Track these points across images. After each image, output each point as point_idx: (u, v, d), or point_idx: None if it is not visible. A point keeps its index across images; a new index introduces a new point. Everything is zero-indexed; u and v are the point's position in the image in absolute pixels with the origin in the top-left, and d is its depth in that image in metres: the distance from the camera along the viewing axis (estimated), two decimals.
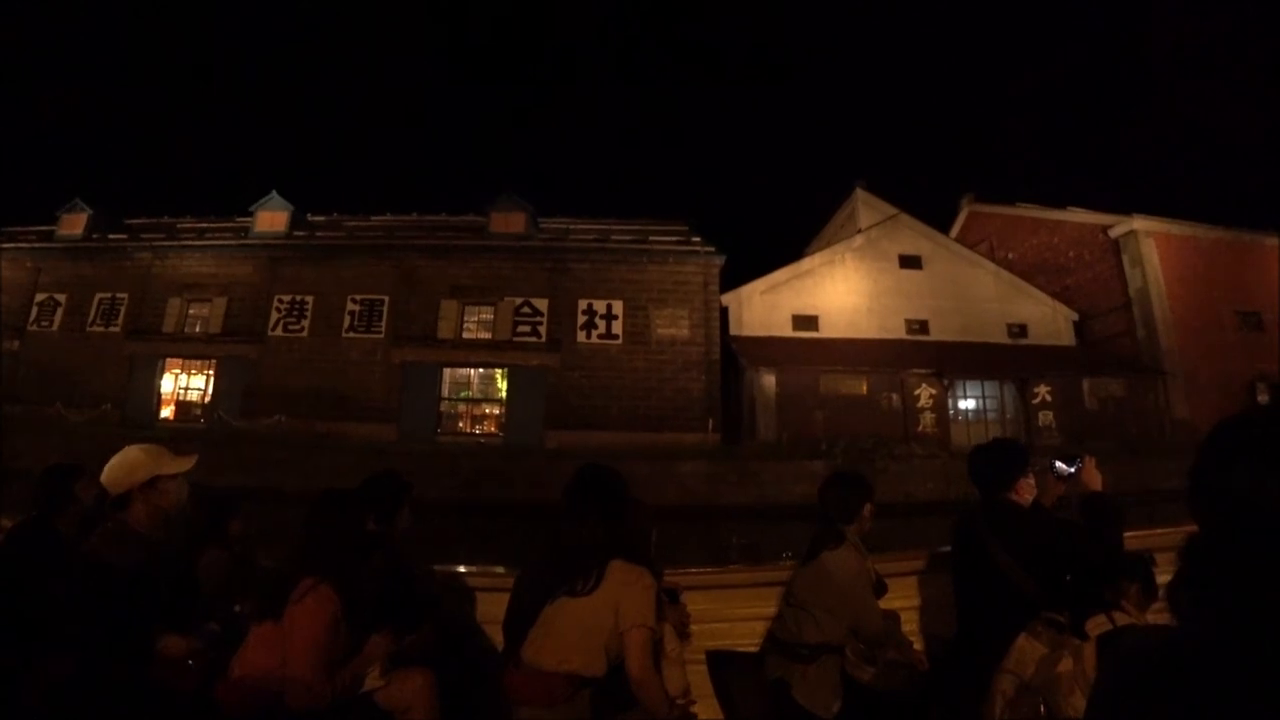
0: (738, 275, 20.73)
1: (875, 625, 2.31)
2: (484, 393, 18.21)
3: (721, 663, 2.60)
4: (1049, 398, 18.52)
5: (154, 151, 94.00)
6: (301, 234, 20.55)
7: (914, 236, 21.77)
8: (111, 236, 20.47)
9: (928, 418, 17.60)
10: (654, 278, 18.29)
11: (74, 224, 20.63)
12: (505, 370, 17.83)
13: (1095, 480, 2.41)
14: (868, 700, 2.27)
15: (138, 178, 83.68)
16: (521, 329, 17.93)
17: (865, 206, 23.34)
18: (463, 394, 18.28)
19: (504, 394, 17.82)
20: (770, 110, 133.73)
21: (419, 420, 17.60)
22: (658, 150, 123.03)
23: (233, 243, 19.67)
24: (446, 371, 18.06)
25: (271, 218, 20.84)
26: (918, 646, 2.76)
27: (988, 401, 18.86)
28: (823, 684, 2.25)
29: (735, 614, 2.89)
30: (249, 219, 20.99)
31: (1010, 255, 25.52)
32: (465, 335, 18.15)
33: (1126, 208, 21.34)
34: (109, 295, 19.01)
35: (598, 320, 17.87)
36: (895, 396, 17.68)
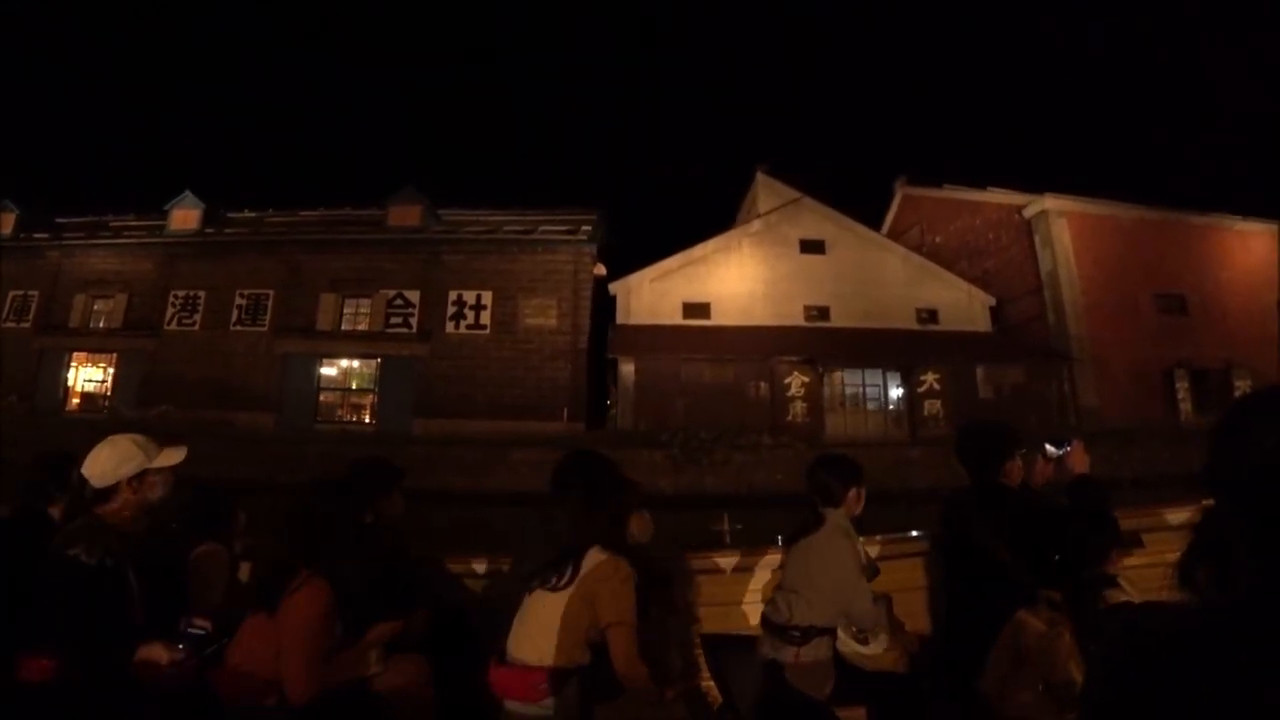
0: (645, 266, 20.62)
1: (866, 607, 2.31)
2: (358, 382, 18.60)
3: (717, 646, 2.67)
4: (937, 385, 17.89)
5: (96, 146, 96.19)
6: (211, 230, 21.23)
7: (817, 220, 21.21)
8: (36, 235, 21.52)
9: (798, 407, 17.22)
10: (524, 267, 18.37)
11: (2, 224, 21.74)
12: (378, 360, 18.18)
13: (1083, 463, 2.46)
14: (860, 681, 2.31)
15: (89, 175, 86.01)
16: (394, 320, 18.25)
17: (766, 191, 22.81)
18: (339, 384, 18.73)
19: (376, 383, 18.17)
20: (694, 100, 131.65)
21: (298, 409, 18.11)
22: (581, 142, 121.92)
23: (133, 241, 20.51)
24: (324, 362, 18.51)
25: (185, 215, 21.59)
26: (922, 628, 2.80)
27: (869, 390, 18.36)
28: (815, 666, 2.27)
29: (730, 598, 2.97)
30: (166, 218, 21.81)
31: (937, 239, 24.72)
32: (344, 327, 18.59)
33: (1042, 187, 20.38)
34: (21, 292, 20.04)
35: (466, 311, 18.06)
36: (764, 385, 17.36)
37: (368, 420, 18.03)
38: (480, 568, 2.97)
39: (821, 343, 18.34)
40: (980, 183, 23.14)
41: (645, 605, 1.98)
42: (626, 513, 2.14)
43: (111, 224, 23.16)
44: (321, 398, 18.45)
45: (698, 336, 18.72)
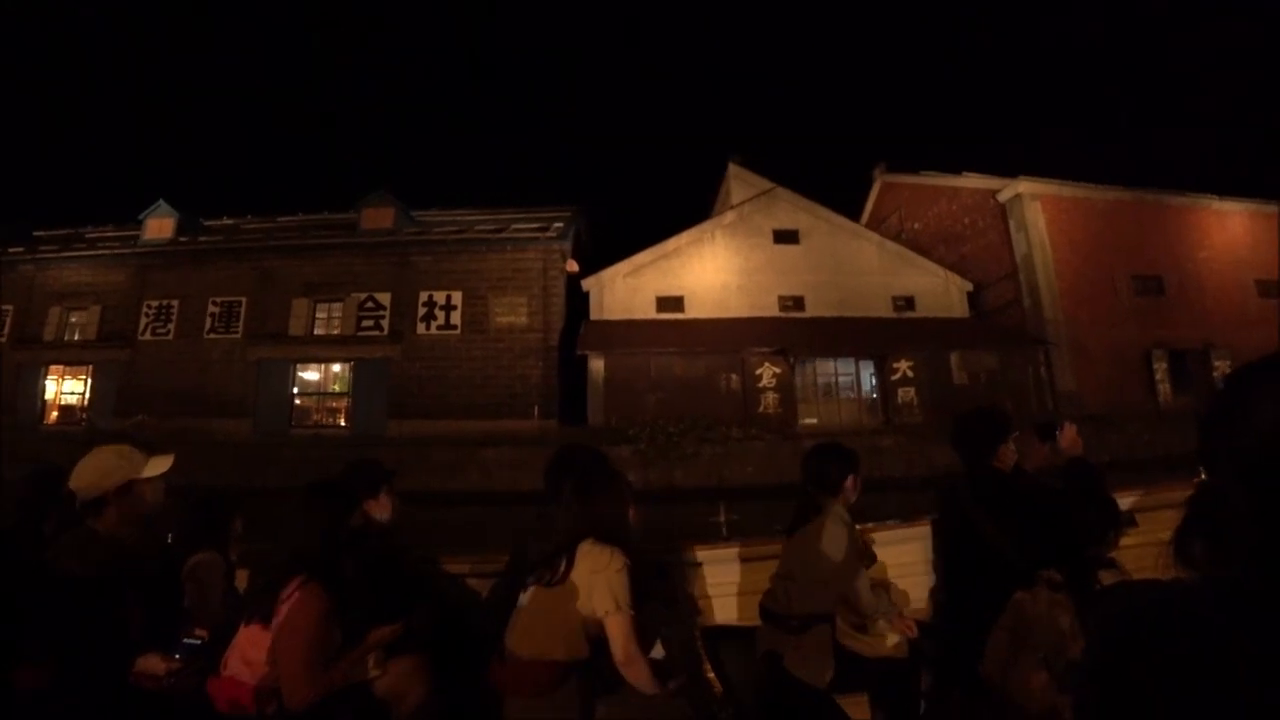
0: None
1: (863, 595, 2.35)
2: (332, 386, 18.61)
3: (716, 637, 2.69)
4: (910, 373, 17.81)
5: (76, 159, 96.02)
6: (184, 240, 21.23)
7: (791, 210, 21.10)
8: (11, 249, 21.54)
9: (770, 398, 17.16)
10: (493, 266, 18.33)
11: None
12: (351, 363, 18.18)
13: (1076, 445, 2.49)
14: (859, 668, 2.33)
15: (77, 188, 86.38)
16: (365, 323, 18.23)
17: (738, 182, 22.71)
18: (313, 388, 18.75)
19: (349, 387, 18.18)
20: (668, 94, 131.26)
21: (273, 414, 18.13)
22: (556, 139, 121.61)
23: (106, 252, 20.50)
24: (297, 367, 18.51)
25: (159, 224, 21.61)
26: (921, 614, 2.82)
27: (842, 379, 18.28)
28: (814, 654, 2.28)
29: (728, 589, 3.01)
30: (140, 228, 21.83)
31: (916, 225, 24.58)
32: (316, 331, 18.57)
33: (1017, 171, 20.22)
34: None
35: (437, 311, 18.03)
36: (735, 377, 17.30)
37: (342, 423, 18.04)
38: (477, 567, 2.98)
39: (795, 333, 18.25)
40: (956, 168, 23.02)
41: (642, 597, 1.99)
42: (622, 505, 2.12)
43: (87, 235, 23.25)
44: (296, 402, 18.46)
45: (670, 330, 18.65)
